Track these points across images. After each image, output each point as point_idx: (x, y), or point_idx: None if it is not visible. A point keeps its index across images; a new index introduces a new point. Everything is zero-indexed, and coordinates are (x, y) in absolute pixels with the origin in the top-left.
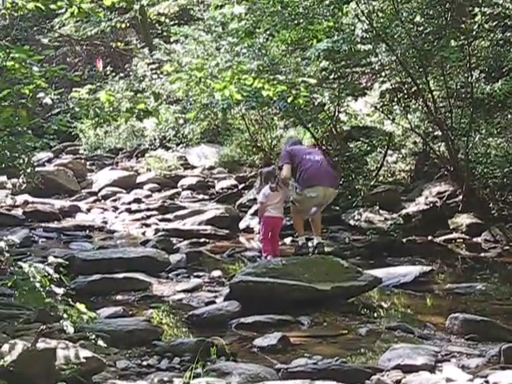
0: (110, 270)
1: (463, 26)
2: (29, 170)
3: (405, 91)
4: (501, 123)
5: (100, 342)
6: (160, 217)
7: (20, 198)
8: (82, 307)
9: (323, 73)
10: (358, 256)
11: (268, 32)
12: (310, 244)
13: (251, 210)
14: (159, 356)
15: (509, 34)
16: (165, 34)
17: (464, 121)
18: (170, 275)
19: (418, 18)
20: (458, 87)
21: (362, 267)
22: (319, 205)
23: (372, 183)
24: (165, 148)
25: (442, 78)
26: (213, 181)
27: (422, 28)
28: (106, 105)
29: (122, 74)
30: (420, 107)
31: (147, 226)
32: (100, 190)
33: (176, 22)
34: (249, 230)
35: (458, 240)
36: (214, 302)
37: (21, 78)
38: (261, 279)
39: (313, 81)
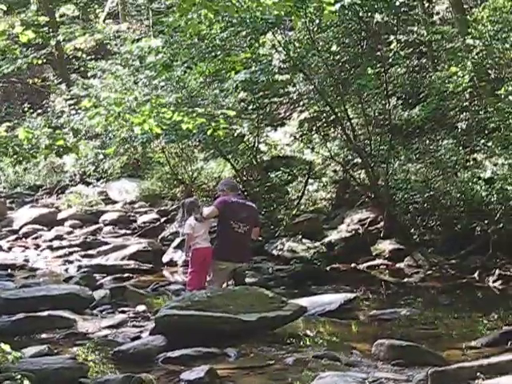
0: (34, 309)
1: (379, 53)
2: None
3: (323, 120)
4: (419, 149)
5: (26, 382)
6: (82, 253)
7: None
8: (6, 347)
9: (242, 104)
10: (283, 286)
11: (186, 65)
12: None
13: (174, 243)
14: None
15: (424, 61)
16: (82, 68)
17: (383, 147)
18: (94, 311)
19: (334, 47)
20: (376, 114)
21: (286, 297)
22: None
23: (294, 212)
24: (85, 184)
25: (360, 105)
26: (134, 215)
27: (338, 57)
28: (25, 142)
29: (39, 111)
30: (339, 135)
31: (70, 262)
32: (21, 228)
33: (93, 56)
34: (172, 263)
35: (381, 266)
36: (139, 337)
37: None
38: (186, 312)
39: (232, 112)
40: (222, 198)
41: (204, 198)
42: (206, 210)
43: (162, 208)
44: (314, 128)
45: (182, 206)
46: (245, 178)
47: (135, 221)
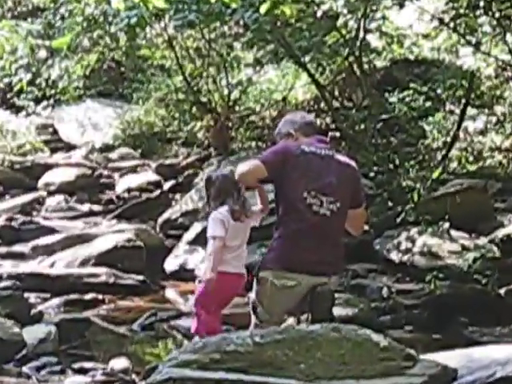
0: None
1: None
2: None
3: None
4: None
5: None
6: (4, 250)
7: None
8: None
9: None
10: (409, 324)
11: None
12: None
13: (189, 234)
14: None
15: None
16: None
17: None
18: (24, 369)
19: None
20: None
21: (416, 347)
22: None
23: (436, 175)
24: (11, 109)
25: None
26: (111, 174)
27: None
28: None
29: None
30: None
31: None
32: None
33: None
34: (183, 273)
35: None
36: None
37: None
38: (210, 375)
39: None
40: (281, 144)
41: (252, 144)
42: (241, 166)
43: (167, 162)
44: (482, 4)
45: (208, 183)
46: (337, 104)
47: (112, 186)
